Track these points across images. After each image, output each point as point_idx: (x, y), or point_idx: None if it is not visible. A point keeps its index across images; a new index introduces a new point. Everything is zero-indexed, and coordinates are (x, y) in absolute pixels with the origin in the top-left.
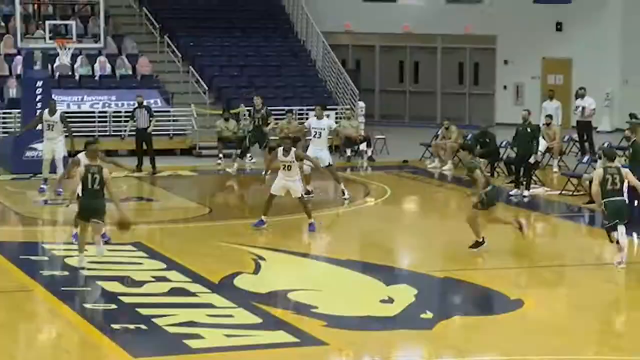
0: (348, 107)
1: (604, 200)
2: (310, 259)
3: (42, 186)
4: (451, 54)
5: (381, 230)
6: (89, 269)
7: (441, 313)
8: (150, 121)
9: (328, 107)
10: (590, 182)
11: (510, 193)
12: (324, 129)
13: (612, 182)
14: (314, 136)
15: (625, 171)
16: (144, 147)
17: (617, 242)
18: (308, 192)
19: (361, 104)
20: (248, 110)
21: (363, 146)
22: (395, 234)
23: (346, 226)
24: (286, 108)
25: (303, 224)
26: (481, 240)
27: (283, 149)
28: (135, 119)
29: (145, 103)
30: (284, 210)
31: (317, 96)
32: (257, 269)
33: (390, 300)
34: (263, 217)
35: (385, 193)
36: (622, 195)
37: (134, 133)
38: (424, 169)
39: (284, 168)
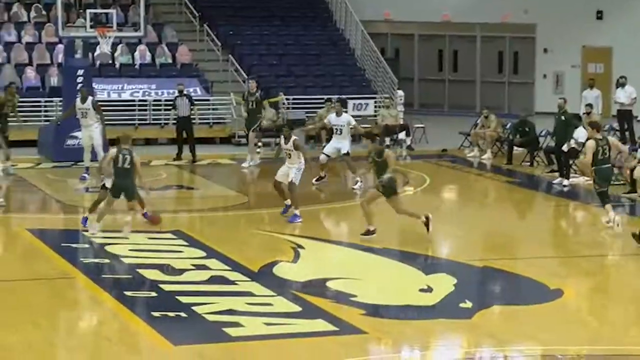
0: (387, 95)
1: (595, 168)
2: (349, 247)
3: (83, 174)
4: (490, 43)
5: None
6: (130, 257)
7: (480, 302)
8: (192, 109)
9: (368, 95)
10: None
11: (553, 182)
12: (344, 125)
13: (602, 153)
14: (335, 132)
15: (612, 140)
16: (185, 135)
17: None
18: (320, 178)
19: (400, 92)
20: (242, 93)
21: (402, 135)
22: (434, 222)
23: (384, 215)
24: (325, 97)
25: (342, 212)
26: (372, 229)
27: (283, 136)
28: (176, 107)
29: (185, 92)
30: (322, 199)
31: (355, 85)
32: (296, 258)
33: (430, 290)
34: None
35: (424, 182)
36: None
37: (175, 121)
38: (462, 157)
39: (286, 155)
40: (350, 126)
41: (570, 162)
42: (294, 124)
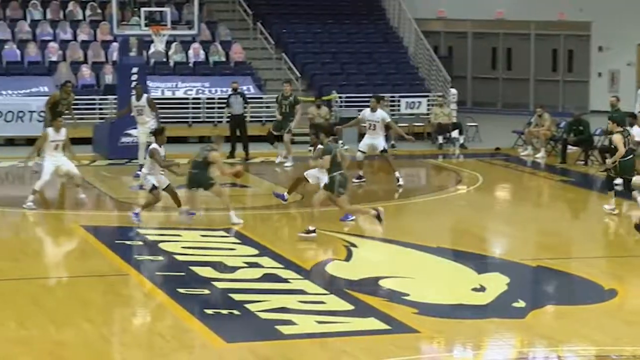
0: (440, 94)
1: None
2: (402, 246)
3: (137, 172)
4: (545, 41)
5: (473, 218)
6: (182, 254)
7: (534, 302)
8: (245, 107)
9: (421, 94)
10: None
11: (615, 182)
12: (378, 121)
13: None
14: (369, 128)
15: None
16: (238, 133)
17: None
18: (360, 177)
19: (453, 91)
20: (276, 97)
21: (455, 133)
22: (487, 221)
23: (437, 214)
24: (378, 95)
25: (395, 211)
26: (313, 229)
27: (311, 143)
28: (230, 105)
29: (239, 90)
30: (374, 198)
31: (408, 83)
32: (348, 256)
33: (482, 289)
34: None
35: (477, 181)
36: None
37: (228, 119)
38: (516, 156)
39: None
40: (385, 122)
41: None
42: (320, 129)
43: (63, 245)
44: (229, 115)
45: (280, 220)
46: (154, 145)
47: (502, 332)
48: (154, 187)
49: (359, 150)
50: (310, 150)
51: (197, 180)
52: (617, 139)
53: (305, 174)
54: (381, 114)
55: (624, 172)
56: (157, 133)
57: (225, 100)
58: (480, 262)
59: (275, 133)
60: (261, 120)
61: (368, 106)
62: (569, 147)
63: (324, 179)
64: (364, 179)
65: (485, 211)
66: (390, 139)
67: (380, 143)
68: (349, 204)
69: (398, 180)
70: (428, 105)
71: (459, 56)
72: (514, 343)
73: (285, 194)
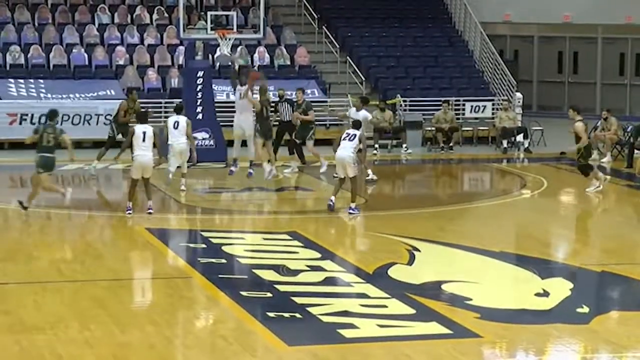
0: (505, 98)
1: None
2: (465, 250)
3: (231, 168)
4: (612, 44)
5: (537, 223)
6: (245, 257)
7: (598, 307)
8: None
9: (486, 97)
10: None
11: None
12: (362, 121)
13: None
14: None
15: None
16: (287, 137)
17: None
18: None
19: (518, 95)
20: (291, 104)
21: (520, 137)
22: (551, 226)
23: (501, 218)
24: (442, 99)
25: (457, 215)
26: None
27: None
28: (277, 111)
29: (286, 96)
30: (437, 202)
31: (473, 86)
32: (411, 260)
33: (546, 294)
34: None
35: (542, 185)
36: None
37: (277, 124)
38: None
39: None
40: (367, 120)
41: None
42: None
43: (128, 248)
44: (277, 120)
45: (342, 224)
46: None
47: (565, 337)
48: None
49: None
50: (375, 154)
51: None
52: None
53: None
54: (364, 113)
55: None
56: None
57: (273, 107)
58: (544, 267)
59: (297, 141)
60: (325, 124)
61: (433, 110)
62: (636, 151)
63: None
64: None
65: (550, 216)
66: (525, 144)
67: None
68: None
69: (368, 175)
70: (493, 109)
71: (525, 60)
72: (578, 349)
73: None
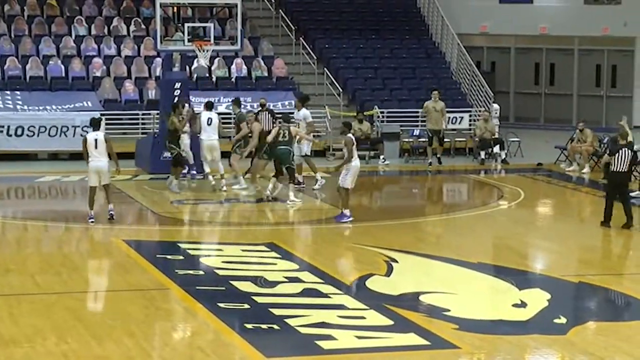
0: (482, 109)
1: None
2: (443, 261)
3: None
4: (588, 56)
5: (514, 234)
6: (223, 269)
7: (575, 318)
8: (273, 123)
9: (463, 109)
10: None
11: None
12: (301, 120)
13: None
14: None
15: None
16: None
17: None
18: (299, 182)
19: (495, 106)
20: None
21: (497, 149)
22: (528, 237)
23: (479, 229)
24: (420, 110)
25: (435, 226)
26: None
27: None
28: (259, 122)
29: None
30: (414, 213)
31: (450, 98)
32: (389, 271)
33: (523, 305)
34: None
35: (519, 196)
36: None
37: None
38: (559, 172)
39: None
40: (307, 120)
41: None
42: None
43: (105, 260)
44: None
45: (320, 235)
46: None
47: (542, 348)
48: None
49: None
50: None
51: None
52: None
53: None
54: (304, 113)
55: None
56: (98, 122)
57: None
58: (521, 278)
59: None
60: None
61: (410, 121)
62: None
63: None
64: (303, 185)
65: (527, 226)
66: (502, 155)
67: (304, 147)
68: None
69: (316, 182)
70: (470, 120)
71: (502, 71)
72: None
73: (346, 211)
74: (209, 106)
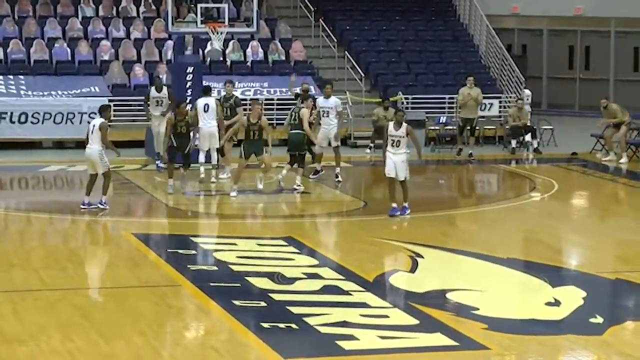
0: (512, 95)
1: None
2: (471, 257)
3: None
4: (626, 38)
5: (547, 227)
6: (238, 264)
7: (612, 317)
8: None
9: (492, 95)
10: None
11: None
12: (332, 108)
13: None
14: (322, 115)
15: None
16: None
17: None
18: (317, 172)
19: (527, 92)
20: (218, 99)
21: (528, 137)
22: (562, 231)
23: (509, 222)
24: (447, 96)
25: (462, 219)
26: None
27: (395, 121)
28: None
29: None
30: (441, 206)
31: (479, 83)
32: (414, 267)
33: (557, 303)
34: (394, 205)
35: (552, 187)
36: None
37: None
38: (594, 161)
39: (393, 144)
40: (338, 109)
41: None
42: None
43: (113, 255)
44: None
45: (341, 228)
46: (103, 121)
47: (577, 349)
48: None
49: (315, 143)
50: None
51: None
52: None
53: (389, 175)
54: (335, 101)
55: None
56: (103, 109)
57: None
58: (555, 275)
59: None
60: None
61: (436, 108)
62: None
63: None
64: (322, 172)
65: (560, 220)
66: (534, 144)
67: (333, 133)
68: None
69: (337, 177)
70: (500, 107)
71: (534, 55)
72: None
73: (394, 205)
74: (207, 91)
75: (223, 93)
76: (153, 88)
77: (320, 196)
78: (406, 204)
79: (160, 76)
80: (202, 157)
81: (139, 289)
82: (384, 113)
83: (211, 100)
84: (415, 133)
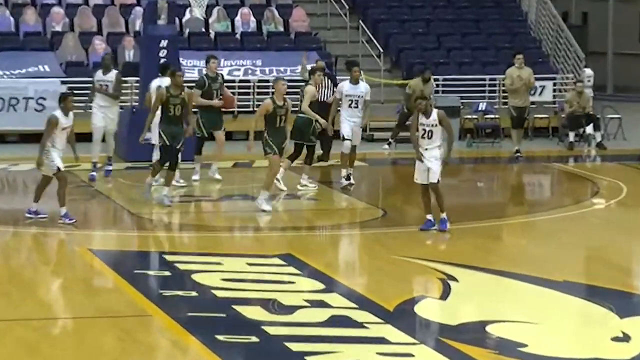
0: (570, 76)
1: None
2: (518, 280)
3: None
4: None
5: (613, 243)
6: (223, 289)
7: None
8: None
9: (545, 75)
10: None
11: None
12: (361, 96)
13: None
14: (349, 105)
15: None
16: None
17: None
18: (348, 176)
19: (588, 72)
20: (201, 80)
21: (590, 129)
22: (633, 247)
23: (566, 236)
24: (487, 77)
25: (507, 232)
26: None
27: (419, 110)
28: None
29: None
30: (480, 215)
31: (528, 61)
32: (445, 293)
33: (626, 338)
34: (429, 217)
35: (620, 192)
36: None
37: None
38: None
39: (424, 135)
40: (366, 99)
41: None
42: None
43: (67, 276)
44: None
45: (353, 244)
46: (57, 113)
47: None
48: (57, 170)
49: (346, 138)
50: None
51: None
52: None
53: (420, 182)
54: (365, 87)
55: None
56: (62, 99)
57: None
58: (623, 302)
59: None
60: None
61: (474, 92)
62: None
63: (434, 166)
64: (352, 181)
65: (630, 233)
66: (597, 137)
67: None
68: None
69: (349, 178)
70: (554, 90)
71: (597, 26)
72: None
73: (429, 217)
74: (163, 70)
75: (205, 72)
76: (100, 70)
77: (327, 203)
78: (444, 215)
79: (109, 52)
80: (156, 155)
81: (98, 319)
82: (422, 87)
83: (167, 82)
84: (450, 121)
